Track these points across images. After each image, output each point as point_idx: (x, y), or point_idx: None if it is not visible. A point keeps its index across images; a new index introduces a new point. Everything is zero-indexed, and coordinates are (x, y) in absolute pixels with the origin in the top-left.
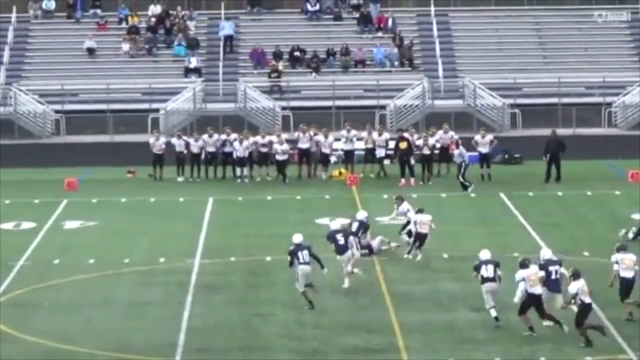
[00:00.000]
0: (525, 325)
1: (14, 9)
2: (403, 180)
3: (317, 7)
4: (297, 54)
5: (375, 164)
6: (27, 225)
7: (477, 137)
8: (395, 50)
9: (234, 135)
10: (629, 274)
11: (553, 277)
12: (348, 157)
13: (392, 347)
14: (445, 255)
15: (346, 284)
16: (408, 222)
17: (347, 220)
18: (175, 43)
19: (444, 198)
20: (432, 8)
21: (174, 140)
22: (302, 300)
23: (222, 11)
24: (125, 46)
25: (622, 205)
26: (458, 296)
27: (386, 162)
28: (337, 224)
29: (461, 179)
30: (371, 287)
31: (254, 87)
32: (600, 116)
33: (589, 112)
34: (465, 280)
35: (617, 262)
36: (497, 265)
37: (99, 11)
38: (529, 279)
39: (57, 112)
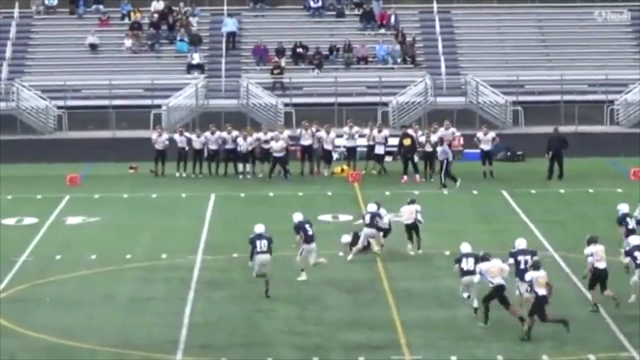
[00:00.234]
0: (484, 316)
1: (17, 4)
2: (405, 177)
3: (320, 3)
4: (299, 50)
5: (379, 162)
6: (29, 220)
7: (480, 135)
8: (398, 47)
9: (235, 133)
10: (602, 265)
11: (522, 266)
12: (350, 154)
13: (394, 344)
14: (447, 253)
15: (303, 276)
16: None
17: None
18: (178, 39)
19: (446, 195)
20: (435, 5)
21: (176, 137)
22: (304, 297)
23: (225, 7)
24: (128, 42)
25: (624, 203)
26: (459, 293)
27: (388, 159)
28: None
29: (442, 176)
30: (373, 283)
31: (257, 83)
32: (603, 114)
33: (591, 110)
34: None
35: (591, 255)
36: (476, 259)
37: (101, 7)
38: (489, 272)
39: (59, 107)
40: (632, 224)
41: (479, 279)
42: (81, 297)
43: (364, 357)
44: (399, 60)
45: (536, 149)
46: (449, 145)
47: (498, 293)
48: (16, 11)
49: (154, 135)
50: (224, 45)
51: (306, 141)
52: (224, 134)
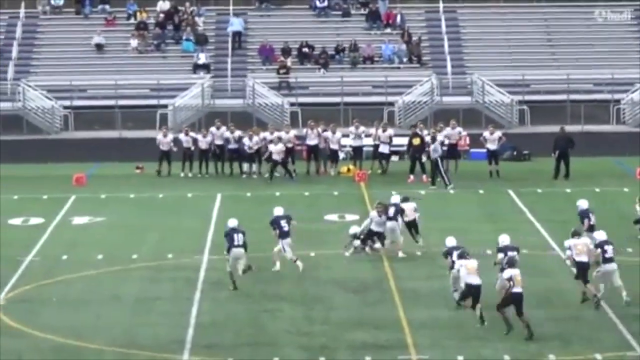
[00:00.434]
0: (465, 306)
1: (23, 4)
2: (412, 177)
3: (326, 3)
4: (305, 50)
5: (382, 161)
6: (35, 220)
7: (486, 134)
8: (404, 46)
9: (238, 132)
10: (583, 258)
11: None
12: (356, 153)
13: (401, 344)
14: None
15: (277, 266)
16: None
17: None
18: (184, 39)
19: (452, 195)
20: (441, 4)
21: (181, 136)
22: (311, 296)
23: (231, 7)
24: (134, 42)
25: (630, 202)
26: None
27: (394, 158)
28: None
29: (442, 174)
30: (379, 283)
31: (263, 83)
32: (609, 113)
33: (597, 109)
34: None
35: (569, 248)
36: (462, 252)
37: (107, 7)
38: (466, 268)
39: (65, 107)
40: (593, 219)
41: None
42: (88, 297)
43: (371, 357)
44: (405, 59)
45: (542, 149)
46: (456, 145)
47: (474, 292)
48: (22, 11)
49: (159, 136)
50: (230, 45)
51: (312, 141)
52: (227, 133)
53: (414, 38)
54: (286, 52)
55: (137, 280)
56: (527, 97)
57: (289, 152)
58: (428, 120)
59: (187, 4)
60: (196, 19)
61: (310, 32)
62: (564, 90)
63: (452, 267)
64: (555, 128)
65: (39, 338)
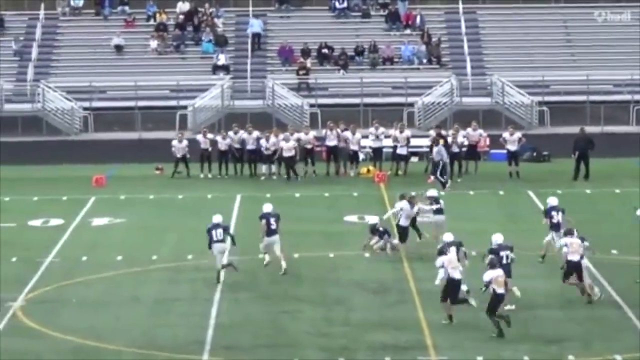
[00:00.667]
0: (444, 312)
1: (42, 6)
2: (432, 177)
3: (345, 4)
4: (325, 51)
5: (400, 162)
6: (55, 222)
7: (506, 135)
8: (423, 47)
9: (256, 133)
10: (575, 257)
11: (504, 261)
12: (376, 154)
13: (420, 345)
14: (474, 253)
15: (267, 259)
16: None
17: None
18: (204, 40)
19: (472, 195)
20: (460, 5)
21: (199, 137)
22: (330, 298)
23: (250, 8)
24: (153, 43)
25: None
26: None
27: (414, 159)
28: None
29: (439, 177)
30: (399, 284)
31: (282, 84)
32: (629, 114)
33: (617, 110)
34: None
35: (565, 245)
36: (458, 246)
37: (127, 8)
38: (450, 263)
39: (85, 109)
40: (557, 217)
41: (443, 274)
42: (107, 298)
43: (390, 358)
44: (424, 60)
45: (562, 150)
46: (475, 146)
47: (453, 287)
48: (42, 13)
49: (174, 142)
50: (249, 46)
51: (331, 142)
52: (244, 135)
53: (434, 39)
54: (306, 53)
55: (156, 282)
56: (547, 98)
57: (309, 152)
58: (448, 121)
59: (207, 5)
60: (215, 20)
61: (330, 33)
62: (583, 91)
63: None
64: (575, 129)
65: (59, 339)
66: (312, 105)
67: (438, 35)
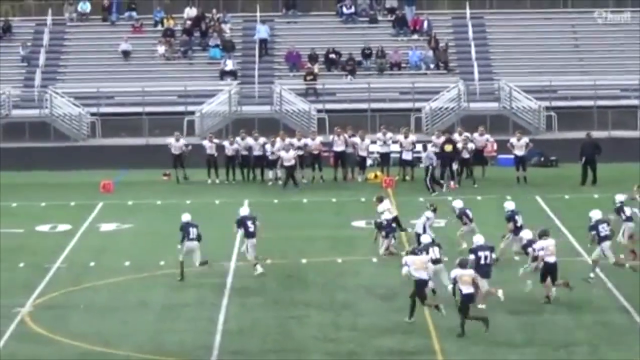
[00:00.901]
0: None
1: (50, 11)
2: (452, 183)
3: (353, 9)
4: (332, 56)
5: (406, 167)
6: (62, 227)
7: (513, 140)
8: (431, 52)
9: (262, 139)
10: (552, 259)
11: (482, 262)
12: (384, 160)
13: (428, 350)
14: None
15: (259, 269)
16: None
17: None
18: (211, 45)
19: (480, 200)
20: (468, 10)
21: (205, 143)
22: (338, 303)
23: (258, 13)
24: (161, 49)
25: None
26: (493, 298)
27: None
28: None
29: (427, 182)
30: (407, 289)
31: (290, 89)
32: (636, 119)
33: (624, 115)
34: (500, 282)
35: (542, 249)
36: (440, 247)
37: (134, 14)
38: (413, 263)
39: (92, 114)
40: (520, 221)
41: (406, 271)
42: (115, 304)
43: None
44: (432, 66)
45: (570, 155)
46: (482, 151)
47: (420, 286)
48: (49, 18)
49: (171, 140)
50: (256, 52)
51: (339, 147)
52: (250, 141)
53: (441, 44)
54: (313, 58)
55: (164, 287)
56: (554, 103)
57: (316, 158)
58: (455, 126)
59: (214, 10)
60: (223, 25)
61: (337, 38)
62: (591, 96)
63: (433, 263)
64: (582, 134)
65: (66, 344)
66: (319, 111)
67: (445, 40)
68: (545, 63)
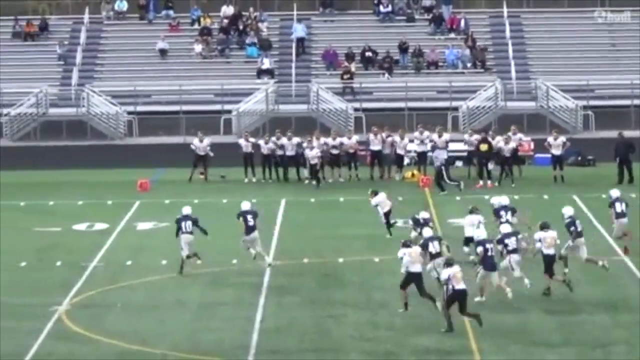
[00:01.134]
0: (401, 301)
1: (87, 10)
2: (481, 182)
3: (390, 8)
4: (369, 55)
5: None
6: (99, 226)
7: (550, 139)
8: (468, 51)
9: (296, 139)
10: (550, 251)
11: (489, 254)
12: (421, 158)
13: (465, 349)
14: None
15: (253, 253)
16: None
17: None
18: (248, 44)
19: (516, 200)
20: (505, 9)
21: (241, 142)
22: (375, 302)
23: (295, 12)
24: (198, 47)
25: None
26: (530, 298)
27: (458, 163)
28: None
29: (440, 183)
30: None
31: (327, 88)
32: None
33: None
34: (537, 281)
35: (539, 240)
36: (440, 240)
37: (171, 12)
38: (409, 255)
39: (129, 113)
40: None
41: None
42: (152, 303)
43: None
44: (469, 64)
45: (606, 154)
46: (516, 151)
47: (415, 280)
48: (86, 17)
49: (195, 141)
50: (293, 50)
51: (375, 146)
52: (284, 140)
53: (478, 43)
54: (350, 57)
55: (201, 286)
56: (592, 102)
57: (352, 156)
58: (492, 125)
59: (251, 9)
60: (260, 24)
61: (374, 37)
62: (628, 96)
63: (432, 258)
64: None
65: (103, 343)
66: (356, 110)
67: (482, 39)
68: (583, 62)
